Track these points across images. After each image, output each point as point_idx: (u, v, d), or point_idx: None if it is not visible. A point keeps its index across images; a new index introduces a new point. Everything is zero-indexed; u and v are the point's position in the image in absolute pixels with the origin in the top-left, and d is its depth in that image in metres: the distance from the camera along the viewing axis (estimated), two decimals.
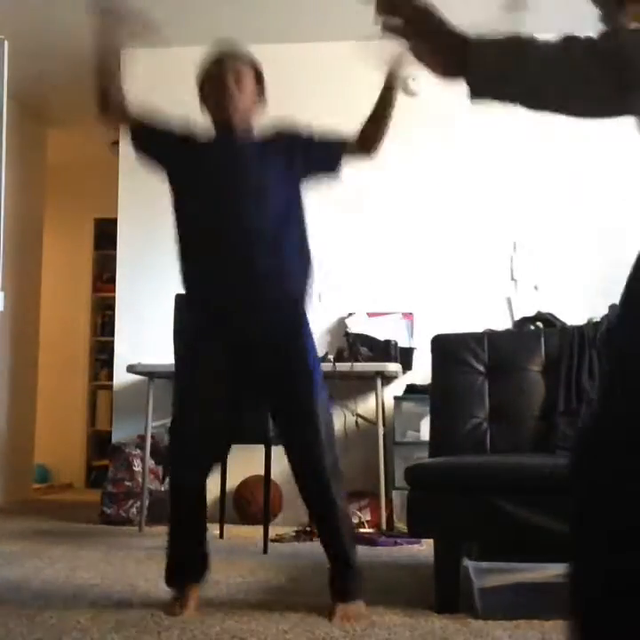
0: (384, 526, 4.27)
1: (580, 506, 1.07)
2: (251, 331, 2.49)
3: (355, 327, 4.84)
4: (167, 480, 4.63)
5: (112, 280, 5.53)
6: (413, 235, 5.12)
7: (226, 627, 2.26)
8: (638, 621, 1.01)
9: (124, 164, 5.38)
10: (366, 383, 4.64)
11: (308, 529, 4.09)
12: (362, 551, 3.76)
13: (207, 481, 2.57)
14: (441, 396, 3.15)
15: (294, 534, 4.08)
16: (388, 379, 4.72)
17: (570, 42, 1.17)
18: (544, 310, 4.47)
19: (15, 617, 2.34)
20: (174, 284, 4.67)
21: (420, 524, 2.54)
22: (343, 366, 4.43)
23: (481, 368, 3.12)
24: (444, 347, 3.20)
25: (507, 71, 1.20)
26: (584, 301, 4.63)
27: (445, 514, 2.47)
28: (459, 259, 5.06)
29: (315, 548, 3.78)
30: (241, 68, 2.66)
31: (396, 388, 4.80)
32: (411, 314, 4.98)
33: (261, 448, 3.44)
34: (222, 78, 2.65)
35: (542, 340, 3.15)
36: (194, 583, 2.51)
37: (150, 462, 4.55)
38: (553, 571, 2.34)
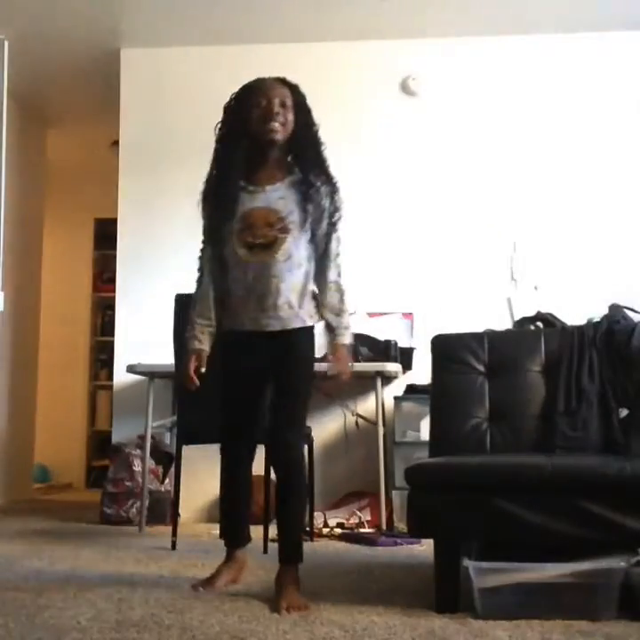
0: (384, 526, 4.27)
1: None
2: None
3: (355, 327, 4.83)
4: (167, 480, 4.66)
5: (112, 280, 5.53)
6: (413, 235, 5.12)
7: (226, 627, 2.26)
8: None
9: (124, 163, 5.38)
10: (366, 383, 4.64)
11: (307, 529, 4.09)
12: (362, 551, 3.78)
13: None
14: (441, 396, 3.15)
15: None
16: (387, 379, 4.72)
17: None
18: (544, 310, 4.47)
19: (15, 617, 2.34)
20: (174, 284, 4.70)
21: (420, 524, 2.54)
22: None
23: (481, 368, 3.12)
24: (444, 347, 3.19)
25: None
26: (584, 301, 4.63)
27: (445, 514, 2.47)
28: (459, 259, 5.06)
29: (314, 547, 3.78)
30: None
31: (396, 388, 4.80)
32: (411, 314, 4.98)
33: (261, 448, 3.43)
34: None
35: (542, 340, 3.15)
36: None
37: (150, 462, 4.55)
38: (553, 571, 2.34)
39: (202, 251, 2.82)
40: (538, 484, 2.43)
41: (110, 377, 5.70)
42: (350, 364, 2.79)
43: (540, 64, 5.20)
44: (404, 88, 5.26)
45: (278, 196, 2.68)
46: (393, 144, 5.21)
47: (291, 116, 2.67)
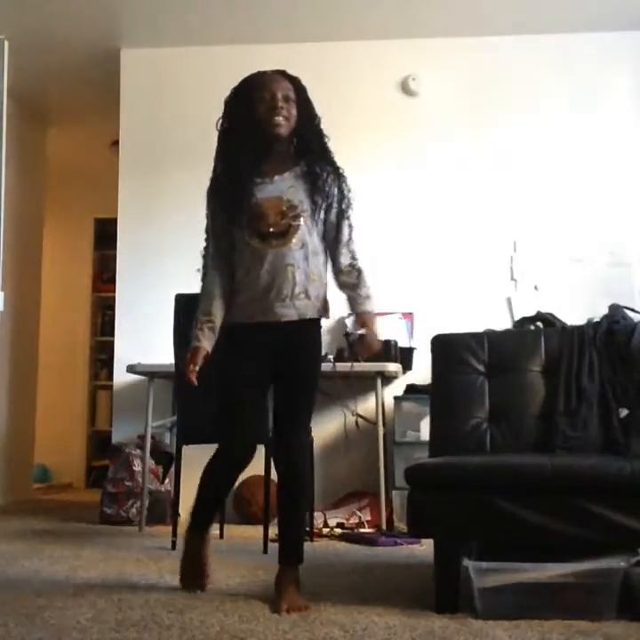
0: (384, 526, 4.27)
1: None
2: None
3: (355, 327, 4.84)
4: (167, 480, 4.66)
5: (112, 280, 5.53)
6: (413, 235, 5.12)
7: (226, 627, 2.26)
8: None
9: (123, 164, 5.38)
10: (366, 383, 4.64)
11: (307, 529, 4.09)
12: (362, 551, 3.78)
13: None
14: (441, 395, 3.15)
15: None
16: (388, 379, 4.72)
17: None
18: (544, 310, 4.47)
19: (15, 617, 2.34)
20: (174, 284, 4.71)
21: (420, 524, 2.54)
22: (343, 366, 4.42)
23: (481, 368, 3.12)
24: (444, 347, 3.19)
25: None
26: (584, 301, 4.63)
27: (445, 514, 2.47)
28: (459, 258, 5.06)
29: (314, 547, 3.78)
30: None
31: (396, 388, 4.80)
32: (411, 314, 4.98)
33: (261, 448, 3.44)
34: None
35: (542, 340, 3.15)
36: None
37: (150, 462, 4.54)
38: (553, 571, 2.34)
39: (205, 248, 2.80)
40: (538, 483, 2.43)
41: (110, 377, 5.70)
42: (377, 331, 2.71)
43: (539, 64, 5.20)
44: (404, 88, 5.26)
45: (288, 186, 2.67)
46: (393, 144, 5.21)
47: (294, 110, 2.67)
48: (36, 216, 6.46)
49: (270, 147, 2.70)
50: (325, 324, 5.44)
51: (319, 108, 2.75)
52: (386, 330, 4.85)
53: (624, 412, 2.99)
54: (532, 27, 5.11)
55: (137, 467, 4.67)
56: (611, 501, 2.37)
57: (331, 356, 4.58)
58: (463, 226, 5.09)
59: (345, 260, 2.73)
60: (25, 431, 6.21)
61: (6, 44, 4.20)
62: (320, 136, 2.73)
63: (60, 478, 7.32)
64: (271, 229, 2.63)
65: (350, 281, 2.72)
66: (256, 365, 2.67)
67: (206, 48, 5.36)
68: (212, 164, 2.76)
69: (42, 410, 6.57)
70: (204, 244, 2.80)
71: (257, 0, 4.86)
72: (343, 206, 2.74)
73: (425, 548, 3.62)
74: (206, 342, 2.67)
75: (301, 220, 2.64)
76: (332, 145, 2.77)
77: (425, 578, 2.73)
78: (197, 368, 2.64)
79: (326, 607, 2.50)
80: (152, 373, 4.47)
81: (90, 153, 6.88)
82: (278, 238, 2.63)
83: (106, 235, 7.09)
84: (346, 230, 2.76)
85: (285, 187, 2.67)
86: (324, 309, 2.73)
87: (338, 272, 2.73)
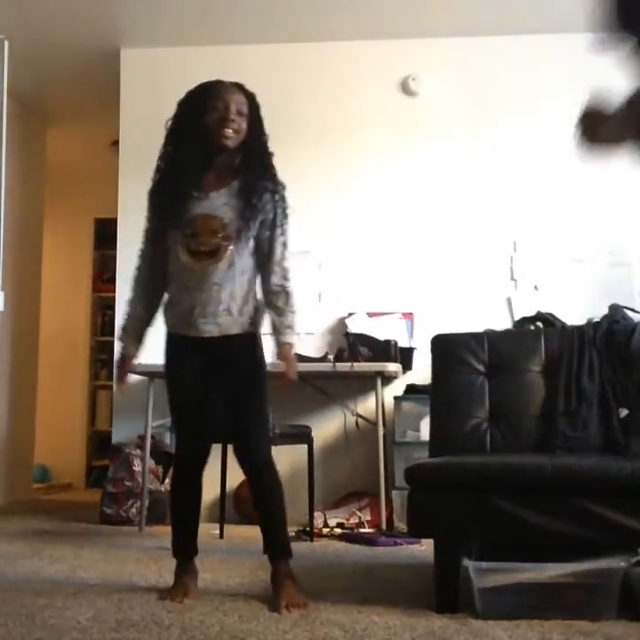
0: (384, 526, 4.27)
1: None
2: None
3: (355, 327, 4.84)
4: (167, 480, 4.66)
5: (112, 280, 5.52)
6: (413, 235, 5.12)
7: (226, 627, 2.26)
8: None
9: (123, 164, 5.38)
10: (366, 383, 4.64)
11: (307, 529, 4.09)
12: (362, 551, 3.78)
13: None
14: (441, 395, 3.15)
15: (294, 534, 4.08)
16: (388, 379, 4.72)
17: None
18: (544, 310, 4.47)
19: (15, 617, 2.34)
20: None
21: (420, 524, 2.54)
22: (343, 366, 4.43)
23: (481, 368, 3.12)
24: (444, 347, 3.19)
25: None
26: (584, 301, 4.63)
27: (445, 514, 2.47)
28: (459, 258, 5.06)
29: (314, 547, 3.79)
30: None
31: (396, 388, 4.80)
32: (411, 314, 4.98)
33: None
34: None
35: (542, 340, 3.15)
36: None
37: (150, 462, 4.55)
38: (553, 571, 2.34)
39: (141, 249, 2.82)
40: (538, 484, 2.43)
41: (110, 377, 5.71)
42: (295, 363, 2.72)
43: (540, 64, 5.20)
44: (404, 88, 5.25)
45: (221, 203, 2.67)
46: (393, 144, 5.21)
47: (245, 125, 2.67)
48: (35, 216, 6.46)
49: (214, 157, 2.71)
50: (325, 323, 5.47)
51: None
52: (386, 330, 4.86)
53: (624, 412, 2.99)
54: (532, 27, 5.11)
55: (137, 467, 4.68)
56: (611, 501, 2.37)
57: (331, 356, 4.58)
58: (463, 226, 5.09)
59: (276, 279, 2.71)
60: (25, 431, 6.21)
61: (6, 43, 4.21)
62: (265, 153, 2.72)
63: (60, 478, 7.32)
64: (201, 248, 2.66)
65: (278, 304, 2.71)
66: (192, 371, 2.74)
67: (207, 48, 5.36)
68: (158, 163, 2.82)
69: (42, 410, 6.57)
70: (142, 246, 2.82)
71: (257, 0, 4.86)
72: (277, 223, 2.71)
73: (425, 548, 3.62)
74: (133, 349, 2.85)
75: (231, 240, 2.65)
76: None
77: (425, 578, 2.73)
78: (126, 376, 2.85)
79: (326, 607, 2.50)
80: (152, 373, 4.45)
81: (90, 153, 6.88)
82: (208, 257, 2.65)
83: (106, 235, 7.09)
84: (279, 248, 2.72)
85: (219, 204, 2.67)
86: (252, 324, 2.72)
87: (267, 291, 2.73)
